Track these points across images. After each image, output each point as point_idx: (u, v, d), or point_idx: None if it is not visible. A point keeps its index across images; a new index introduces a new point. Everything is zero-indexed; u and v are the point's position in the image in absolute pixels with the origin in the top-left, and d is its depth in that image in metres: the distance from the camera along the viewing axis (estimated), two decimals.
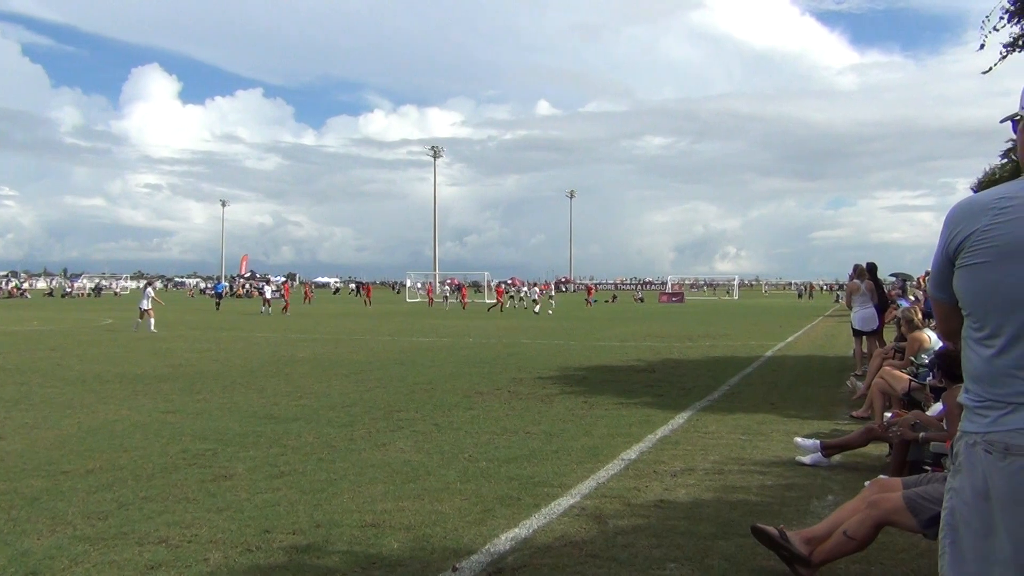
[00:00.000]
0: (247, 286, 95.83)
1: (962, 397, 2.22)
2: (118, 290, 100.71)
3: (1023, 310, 2.08)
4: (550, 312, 44.56)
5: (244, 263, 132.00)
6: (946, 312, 2.34)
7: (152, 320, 25.59)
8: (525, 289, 57.37)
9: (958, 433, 2.22)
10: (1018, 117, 2.29)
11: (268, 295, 43.07)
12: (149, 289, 26.88)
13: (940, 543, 2.24)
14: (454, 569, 4.36)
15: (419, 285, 76.62)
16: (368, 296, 59.58)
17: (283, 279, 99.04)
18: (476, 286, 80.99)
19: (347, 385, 12.20)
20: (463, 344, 20.84)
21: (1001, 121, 2.38)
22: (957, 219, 2.21)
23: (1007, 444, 2.06)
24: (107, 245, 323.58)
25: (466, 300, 55.44)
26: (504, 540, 4.84)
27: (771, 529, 4.40)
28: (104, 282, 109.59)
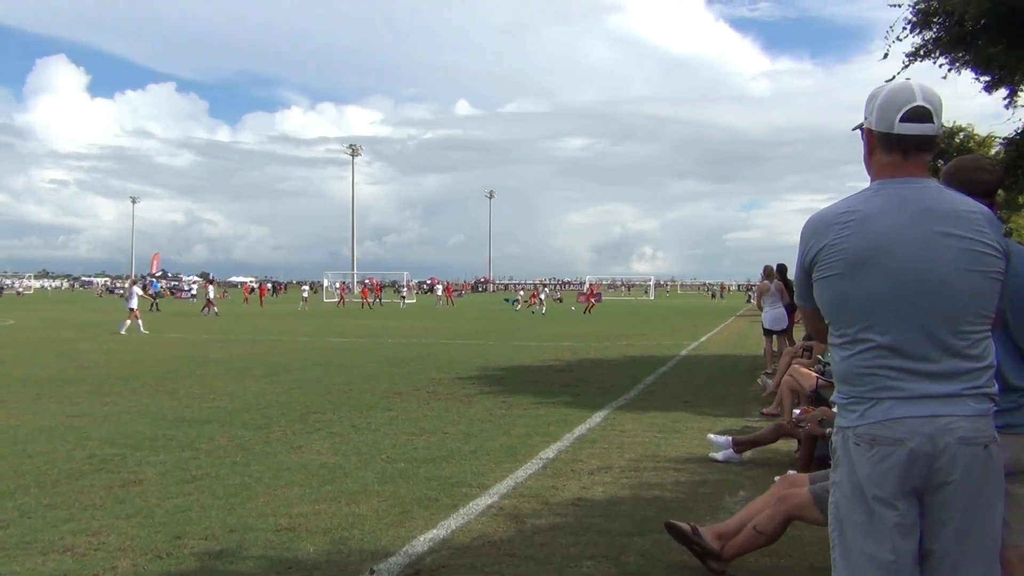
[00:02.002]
0: (163, 284, 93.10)
1: (834, 396, 2.39)
2: (21, 289, 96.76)
3: (874, 315, 2.24)
4: (533, 313, 44.58)
5: (155, 262, 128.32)
6: (813, 319, 2.51)
7: (140, 321, 24.81)
8: (547, 291, 57.82)
9: (835, 429, 2.36)
10: (864, 125, 2.41)
11: (212, 295, 41.80)
12: (136, 288, 25.95)
13: (830, 536, 2.36)
14: (372, 572, 4.32)
15: (337, 285, 75.74)
16: (261, 297, 58.79)
17: (197, 278, 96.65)
18: (395, 286, 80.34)
19: (262, 386, 11.98)
20: (381, 345, 20.69)
21: (852, 129, 2.50)
22: (809, 234, 2.37)
23: (873, 436, 2.21)
24: (9, 243, 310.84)
25: (368, 299, 55.17)
26: (422, 541, 4.83)
27: (684, 525, 4.49)
28: (6, 281, 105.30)
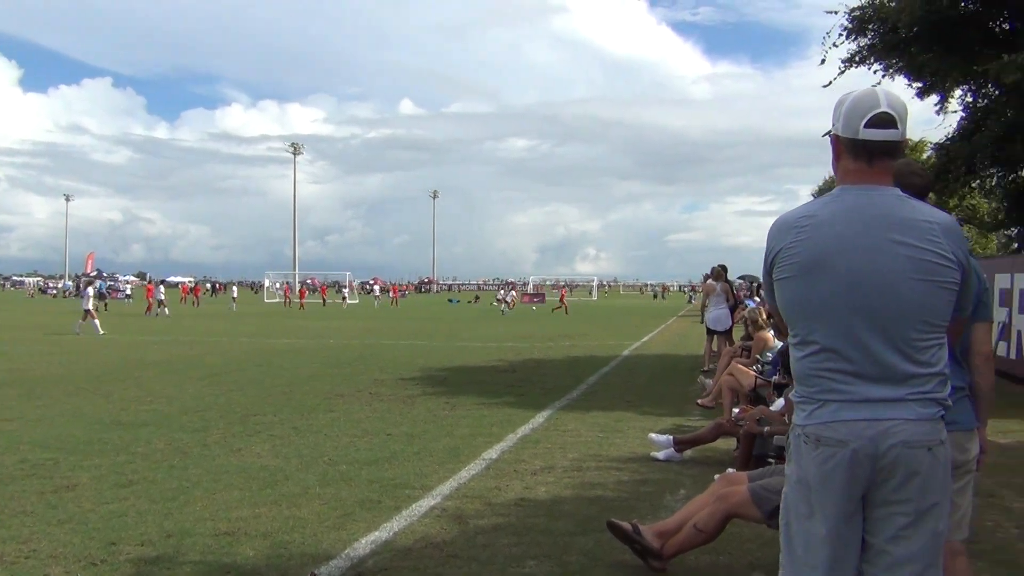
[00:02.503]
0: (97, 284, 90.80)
1: (791, 393, 2.47)
2: None
3: (824, 318, 2.31)
4: (504, 313, 45.22)
5: (90, 261, 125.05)
6: (778, 316, 2.57)
7: (97, 321, 24.12)
8: (512, 293, 58.13)
9: (791, 425, 2.43)
10: (831, 132, 2.47)
11: (162, 296, 40.79)
12: (90, 289, 25.18)
13: (780, 529, 2.44)
14: (312, 575, 4.28)
15: (277, 285, 74.78)
16: (196, 296, 57.15)
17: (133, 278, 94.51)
18: (336, 286, 79.54)
19: (201, 389, 11.77)
20: (323, 346, 20.49)
21: (823, 136, 2.57)
22: (772, 236, 2.44)
23: (819, 436, 2.29)
24: None
25: (304, 300, 54.49)
26: (364, 544, 4.79)
27: (625, 524, 4.53)
28: None
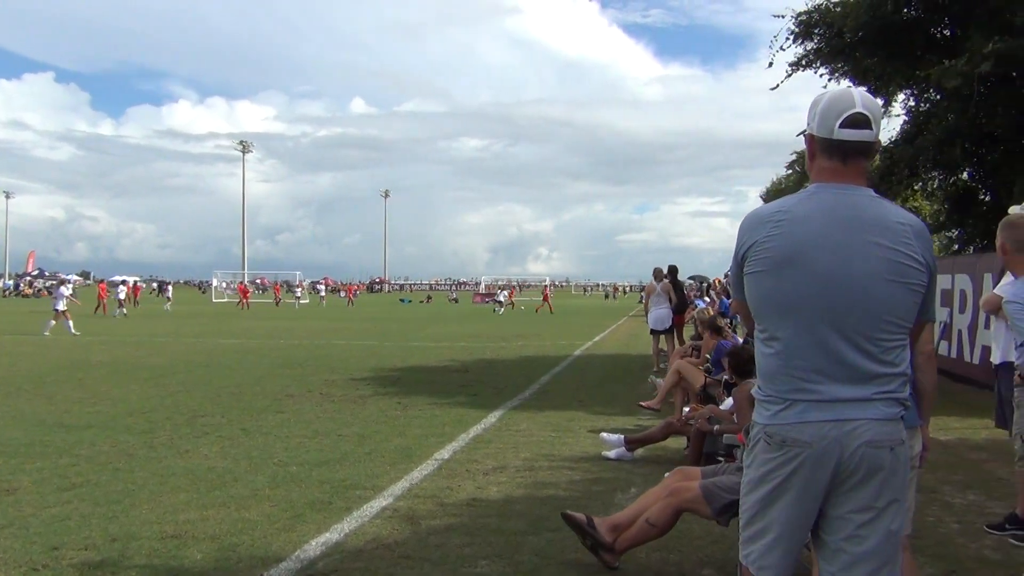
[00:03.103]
0: (35, 285, 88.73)
1: (754, 390, 2.45)
2: None
3: (794, 315, 2.31)
4: (501, 312, 45.50)
5: (31, 260, 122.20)
6: (744, 311, 2.57)
7: (71, 322, 23.53)
8: (505, 293, 57.31)
9: (752, 422, 2.43)
10: (807, 132, 2.48)
11: (122, 295, 39.78)
12: (63, 288, 24.41)
13: (740, 516, 2.47)
14: None
15: (225, 285, 73.70)
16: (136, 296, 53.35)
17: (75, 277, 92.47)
18: (287, 286, 78.57)
19: (147, 390, 11.56)
20: (273, 346, 20.25)
21: (797, 135, 2.59)
22: (745, 230, 2.43)
23: (783, 437, 2.29)
24: None
25: (248, 300, 53.46)
26: (315, 545, 4.75)
27: (579, 516, 4.55)
28: None
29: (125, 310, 38.10)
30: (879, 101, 15.93)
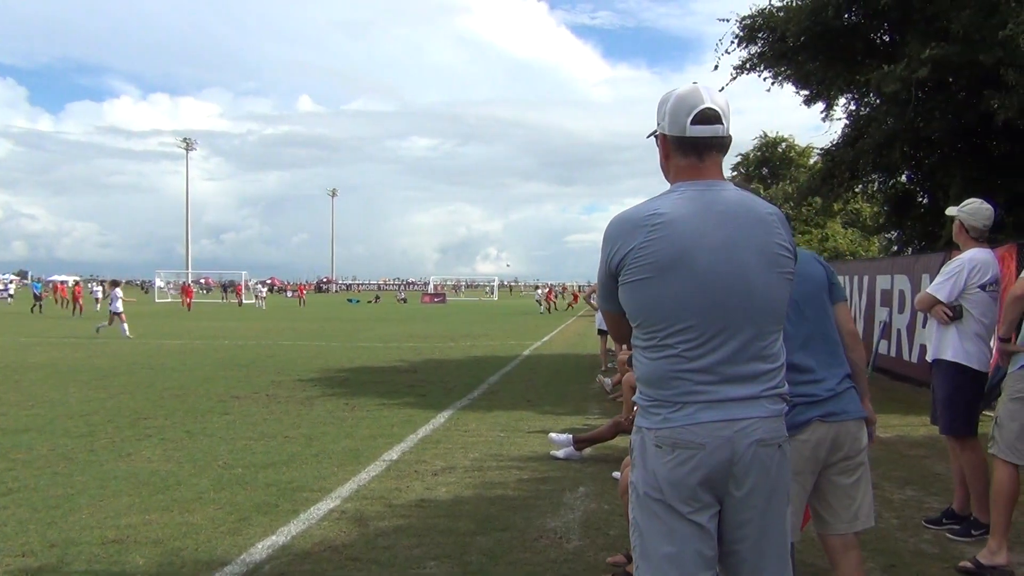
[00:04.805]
0: None
1: (636, 397, 2.38)
2: None
3: (682, 319, 2.24)
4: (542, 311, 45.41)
5: None
6: (616, 321, 2.48)
7: (126, 325, 22.67)
8: (539, 292, 56.61)
9: (634, 429, 2.37)
10: (657, 131, 2.47)
11: (100, 296, 38.73)
12: (117, 290, 23.50)
13: (631, 537, 2.37)
14: None
15: (168, 284, 72.36)
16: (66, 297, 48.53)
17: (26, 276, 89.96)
18: (232, 285, 77.35)
19: (87, 392, 11.30)
20: (217, 347, 19.94)
21: (647, 137, 2.58)
22: (615, 236, 2.32)
23: (675, 440, 2.23)
24: None
25: (191, 300, 52.04)
26: (261, 548, 4.69)
27: (619, 558, 4.43)
28: None
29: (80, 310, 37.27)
30: (820, 104, 16.30)
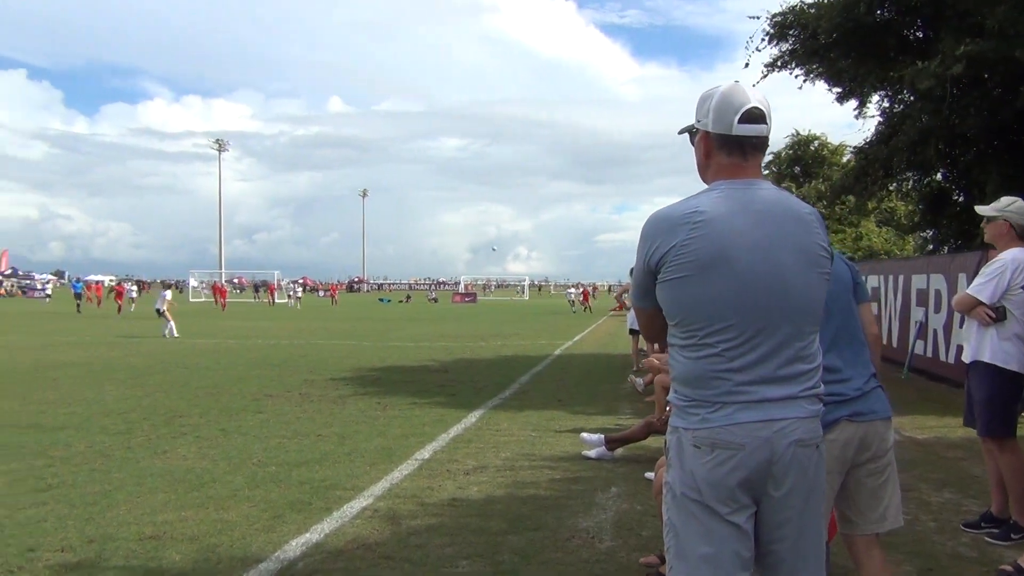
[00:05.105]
0: (6, 284, 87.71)
1: (671, 396, 2.37)
2: None
3: (722, 318, 2.23)
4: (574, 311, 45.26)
5: (4, 259, 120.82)
6: (650, 319, 2.46)
7: (172, 324, 23.03)
8: (572, 292, 55.99)
9: (670, 429, 2.36)
10: (694, 128, 2.44)
11: (134, 295, 39.29)
12: (166, 293, 23.93)
13: (664, 538, 2.36)
14: None
15: (200, 284, 73.11)
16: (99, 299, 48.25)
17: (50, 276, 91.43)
18: (264, 285, 78.03)
19: (124, 390, 11.46)
20: (251, 346, 20.13)
21: (680, 132, 2.55)
22: (654, 234, 2.30)
23: (714, 440, 2.21)
24: None
25: (225, 300, 52.39)
26: (295, 546, 4.73)
27: (652, 558, 4.43)
28: None
29: (133, 307, 37.71)
30: (853, 102, 16.17)
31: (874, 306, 14.80)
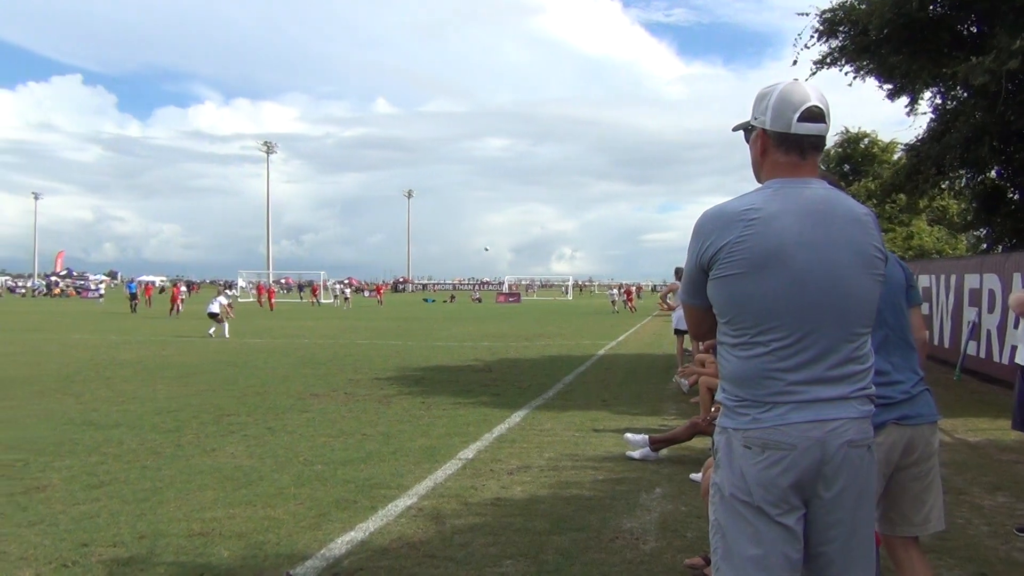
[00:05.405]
0: (61, 285, 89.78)
1: (719, 396, 2.34)
2: None
3: (775, 317, 2.20)
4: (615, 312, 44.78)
5: (60, 260, 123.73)
6: (699, 316, 2.43)
7: (225, 324, 23.48)
8: (614, 292, 55.16)
9: (717, 429, 2.34)
10: (750, 126, 2.40)
11: (184, 295, 40.10)
12: (221, 297, 24.57)
13: (711, 539, 2.33)
14: (288, 575, 4.26)
15: (248, 284, 74.17)
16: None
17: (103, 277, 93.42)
18: (309, 285, 78.85)
19: (174, 389, 11.67)
20: (297, 345, 20.37)
21: (734, 129, 2.51)
22: (708, 230, 2.27)
23: (765, 440, 2.18)
24: None
25: (273, 300, 52.91)
26: (340, 544, 4.77)
27: (697, 560, 4.42)
28: None
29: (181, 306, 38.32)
30: (904, 99, 15.90)
31: (924, 307, 14.55)
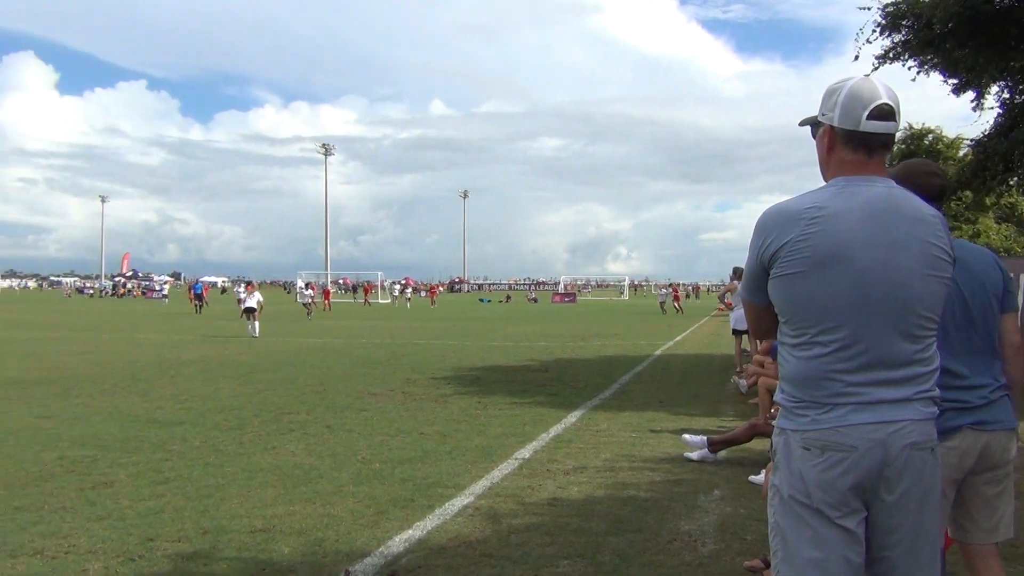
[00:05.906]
0: (128, 285, 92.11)
1: (778, 396, 2.30)
2: None
3: (836, 317, 2.16)
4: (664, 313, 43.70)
5: (126, 261, 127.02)
6: (759, 315, 2.41)
7: (255, 323, 23.72)
8: (663, 291, 53.45)
9: (776, 430, 2.30)
10: (817, 122, 2.36)
11: (243, 295, 41.03)
12: (256, 293, 25.24)
13: (770, 542, 2.29)
14: (346, 573, 4.30)
15: (306, 285, 75.17)
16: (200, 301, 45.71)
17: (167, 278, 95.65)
18: (362, 285, 79.63)
19: (235, 387, 11.89)
20: (355, 345, 20.60)
21: (800, 124, 2.45)
22: (770, 228, 2.25)
23: (825, 442, 2.14)
24: None
25: (329, 300, 53.13)
26: (398, 542, 4.81)
27: (756, 562, 4.41)
28: None
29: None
30: (970, 93, 15.51)
31: None
